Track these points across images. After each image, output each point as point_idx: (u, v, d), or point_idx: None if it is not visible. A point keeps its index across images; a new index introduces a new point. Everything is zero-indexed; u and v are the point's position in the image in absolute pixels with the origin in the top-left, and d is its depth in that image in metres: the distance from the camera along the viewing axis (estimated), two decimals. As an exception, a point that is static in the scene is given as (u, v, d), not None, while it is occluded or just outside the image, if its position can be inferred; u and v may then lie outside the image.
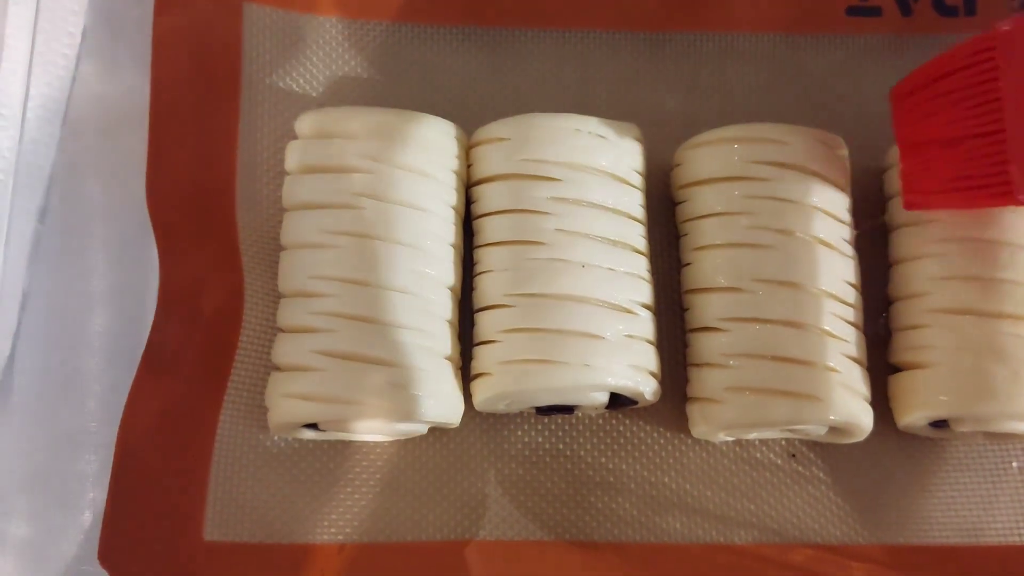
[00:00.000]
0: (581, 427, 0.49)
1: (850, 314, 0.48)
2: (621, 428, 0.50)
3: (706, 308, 0.48)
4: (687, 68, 0.55)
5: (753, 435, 0.49)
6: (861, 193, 0.51)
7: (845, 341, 0.47)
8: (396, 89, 0.53)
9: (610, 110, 0.50)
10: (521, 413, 0.49)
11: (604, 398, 0.47)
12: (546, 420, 0.49)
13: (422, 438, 0.49)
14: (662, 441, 0.50)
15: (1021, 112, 0.42)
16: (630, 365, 0.45)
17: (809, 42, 0.55)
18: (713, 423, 0.47)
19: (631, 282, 0.47)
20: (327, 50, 0.53)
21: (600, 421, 0.50)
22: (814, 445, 0.50)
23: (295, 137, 0.49)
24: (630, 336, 0.46)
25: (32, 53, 0.46)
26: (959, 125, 0.44)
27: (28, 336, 0.43)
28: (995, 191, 0.43)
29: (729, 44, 0.55)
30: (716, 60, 0.55)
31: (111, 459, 0.43)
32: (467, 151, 0.50)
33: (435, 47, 0.54)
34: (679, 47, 0.55)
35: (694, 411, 0.48)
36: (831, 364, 0.46)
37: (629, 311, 0.46)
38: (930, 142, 0.46)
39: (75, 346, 0.46)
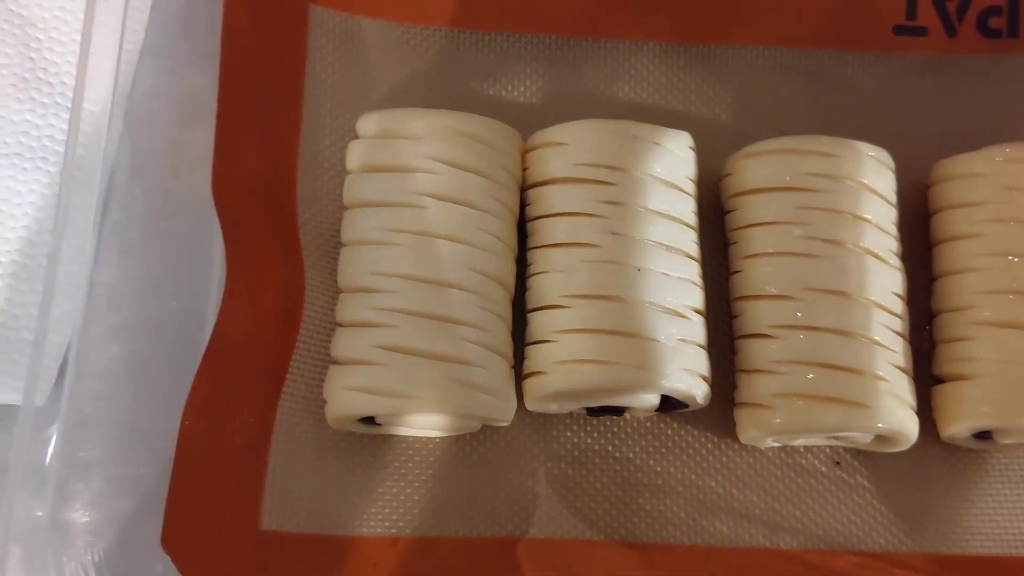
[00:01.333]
0: (629, 429, 0.50)
1: (897, 325, 0.49)
2: (669, 432, 0.50)
3: (756, 315, 0.49)
4: (737, 81, 0.56)
5: (800, 441, 0.50)
6: (904, 209, 0.51)
7: (893, 351, 0.48)
8: (453, 93, 0.54)
9: (660, 121, 0.51)
10: (570, 414, 0.50)
11: (655, 400, 0.47)
12: (595, 421, 0.50)
13: (473, 435, 0.49)
14: (709, 446, 0.50)
15: None
16: (683, 368, 0.46)
17: (856, 59, 0.56)
18: (762, 428, 0.47)
19: (684, 287, 0.48)
20: (387, 53, 0.54)
21: (648, 424, 0.50)
22: (858, 453, 0.51)
23: (355, 137, 0.50)
24: (683, 340, 0.47)
25: (121, 50, 0.46)
26: None
27: (90, 327, 0.44)
28: None
29: (779, 59, 0.56)
30: (765, 74, 0.56)
31: (171, 447, 0.44)
32: (523, 155, 0.50)
33: (492, 54, 0.55)
34: (730, 60, 0.56)
35: (743, 416, 0.49)
36: (880, 373, 0.47)
37: (682, 315, 0.47)
38: None
39: (137, 337, 0.46)
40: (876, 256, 0.48)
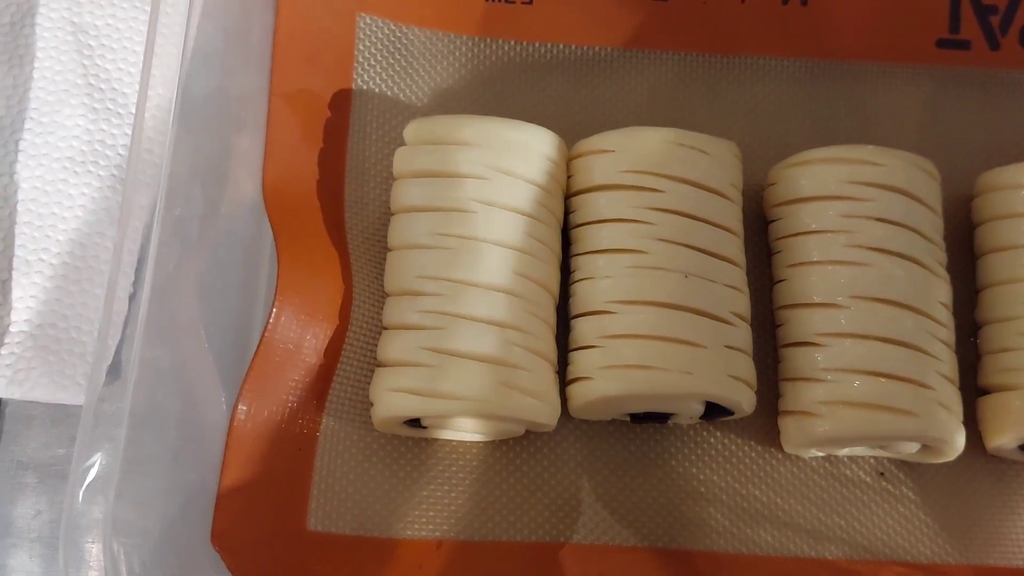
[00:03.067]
0: (672, 437, 0.50)
1: (944, 334, 0.48)
2: (712, 440, 0.50)
3: (802, 323, 0.49)
4: (778, 93, 0.56)
5: (845, 451, 0.49)
6: (948, 221, 0.51)
7: (940, 360, 0.47)
8: (495, 102, 0.55)
9: (702, 131, 0.51)
10: (612, 421, 0.50)
11: (701, 408, 0.47)
12: (637, 429, 0.50)
13: (515, 441, 0.49)
14: (752, 455, 0.50)
15: None
16: (730, 375, 0.46)
17: (899, 71, 0.57)
18: (809, 436, 0.47)
19: (730, 293, 0.48)
20: (431, 62, 0.55)
21: (691, 432, 0.50)
22: (903, 465, 0.50)
23: (400, 143, 0.51)
24: (729, 347, 0.47)
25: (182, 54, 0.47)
26: None
27: (140, 330, 0.44)
28: None
29: (821, 70, 0.56)
30: (807, 85, 0.56)
31: (220, 448, 0.44)
32: (568, 163, 0.51)
33: (534, 64, 0.55)
34: (772, 72, 0.56)
35: (788, 424, 0.49)
36: (928, 382, 0.46)
37: (728, 322, 0.47)
38: None
39: (187, 339, 0.47)
40: (923, 265, 0.48)
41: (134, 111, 0.53)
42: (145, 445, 0.42)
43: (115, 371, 0.49)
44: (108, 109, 0.53)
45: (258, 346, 0.45)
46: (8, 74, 0.53)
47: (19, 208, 0.51)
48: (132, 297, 0.48)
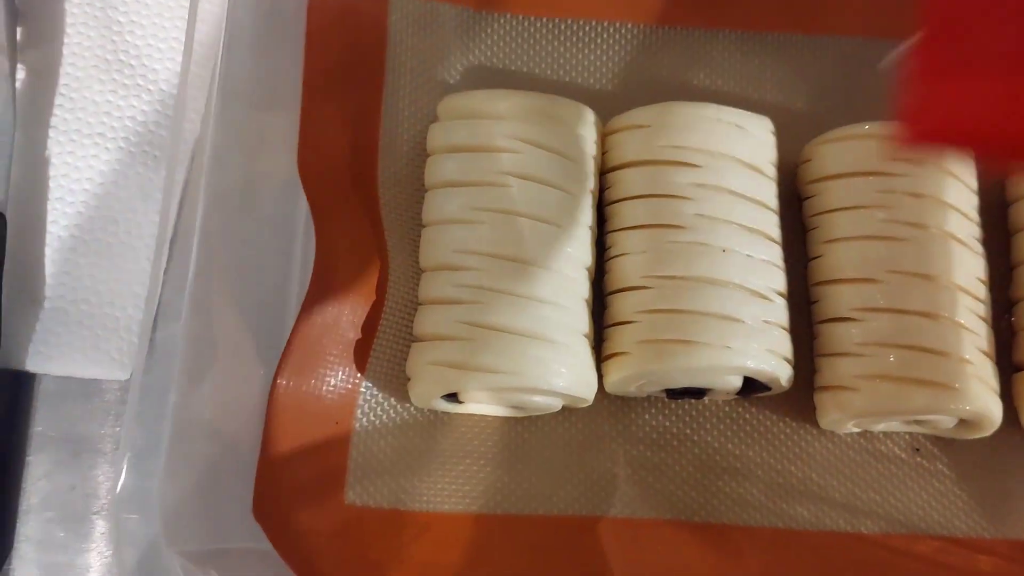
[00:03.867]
0: (708, 413, 0.50)
1: (981, 309, 0.48)
2: (747, 416, 0.50)
3: (839, 298, 0.48)
4: (812, 70, 0.56)
5: (881, 426, 0.49)
6: (983, 198, 0.51)
7: (977, 335, 0.47)
8: (528, 79, 0.55)
9: (736, 107, 0.51)
10: (648, 396, 0.50)
11: (739, 382, 0.47)
12: (673, 405, 0.50)
13: (551, 416, 0.49)
14: (787, 430, 0.50)
15: None
16: (768, 350, 0.46)
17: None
18: (847, 410, 0.47)
19: (767, 269, 0.47)
20: (464, 38, 0.54)
21: (726, 408, 0.50)
22: (938, 440, 0.50)
23: (433, 120, 0.51)
24: (767, 321, 0.47)
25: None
26: None
27: (187, 305, 0.44)
28: None
29: (855, 47, 0.56)
30: (841, 63, 0.56)
31: (258, 423, 0.44)
32: (602, 138, 0.51)
33: (567, 40, 0.55)
34: (806, 49, 0.56)
35: (825, 399, 0.48)
36: (965, 356, 0.46)
37: (766, 297, 0.47)
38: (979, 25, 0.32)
39: (226, 314, 0.47)
40: (959, 240, 0.48)
41: (164, 87, 0.53)
42: (188, 420, 0.42)
43: (151, 347, 0.50)
44: (139, 85, 0.53)
45: (296, 321, 0.45)
46: (37, 50, 0.53)
47: (51, 184, 0.51)
48: (166, 272, 0.47)
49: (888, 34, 0.55)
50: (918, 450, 0.50)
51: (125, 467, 0.40)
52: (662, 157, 0.48)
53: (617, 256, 0.49)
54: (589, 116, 0.50)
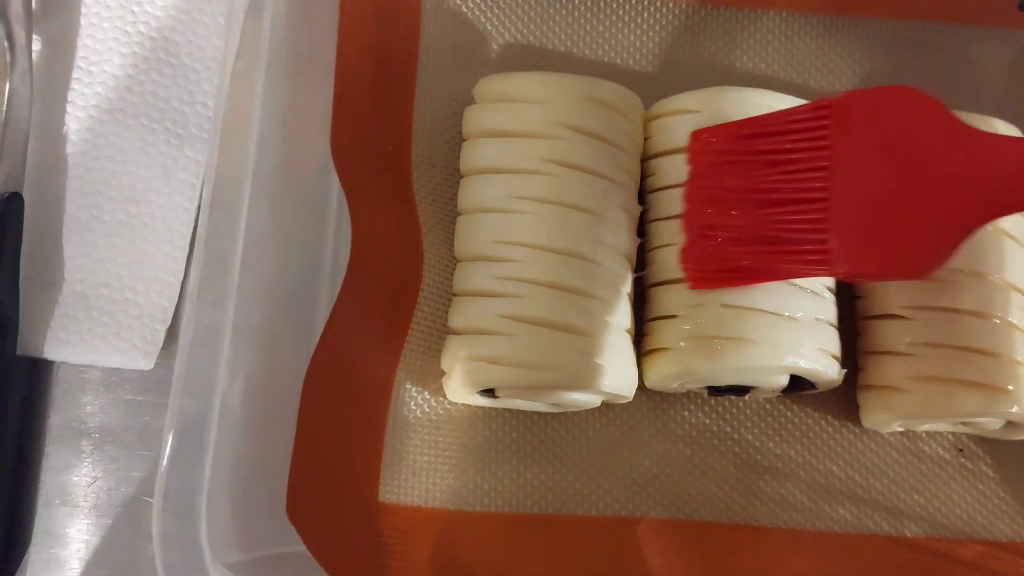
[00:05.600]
0: (748, 411, 0.49)
1: (1033, 308, 0.47)
2: (789, 414, 0.49)
3: (887, 296, 0.47)
4: (856, 53, 0.54)
5: (925, 427, 0.48)
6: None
7: (1028, 335, 0.46)
8: (565, 59, 0.53)
9: (781, 92, 0.49)
10: (687, 393, 0.49)
11: (785, 381, 0.46)
12: (712, 403, 0.49)
13: (588, 412, 0.48)
14: (830, 429, 0.49)
15: (848, 185, 0.40)
16: (819, 348, 0.45)
17: (979, 34, 0.54)
18: (894, 411, 0.46)
19: (818, 264, 0.46)
20: (501, 17, 0.52)
21: (767, 406, 0.49)
22: (981, 441, 0.49)
23: (469, 102, 0.49)
24: (818, 319, 0.45)
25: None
26: (776, 186, 0.42)
27: (233, 293, 0.42)
28: (809, 263, 0.41)
29: (900, 31, 0.54)
30: (885, 46, 0.54)
31: (290, 417, 0.42)
32: (645, 123, 0.49)
33: (606, 20, 0.53)
34: (850, 32, 0.54)
35: (870, 399, 0.47)
36: (1017, 357, 0.45)
37: (817, 293, 0.45)
38: (731, 198, 0.44)
39: (253, 304, 0.44)
40: (1012, 237, 0.47)
41: (187, 61, 0.51)
42: (222, 415, 0.40)
43: (171, 335, 0.48)
44: (160, 59, 0.51)
45: (331, 314, 0.43)
46: (54, 20, 0.50)
47: (69, 162, 0.49)
48: (193, 258, 0.45)
49: (934, 16, 0.54)
50: (961, 450, 0.49)
51: (166, 463, 0.38)
52: (711, 145, 0.46)
53: (660, 247, 0.47)
54: (633, 99, 0.48)
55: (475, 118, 0.48)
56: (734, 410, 0.49)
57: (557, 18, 0.53)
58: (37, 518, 0.46)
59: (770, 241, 0.43)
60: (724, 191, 0.44)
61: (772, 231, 0.42)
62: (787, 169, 0.42)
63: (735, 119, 0.46)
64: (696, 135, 0.46)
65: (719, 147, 0.45)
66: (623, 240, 0.46)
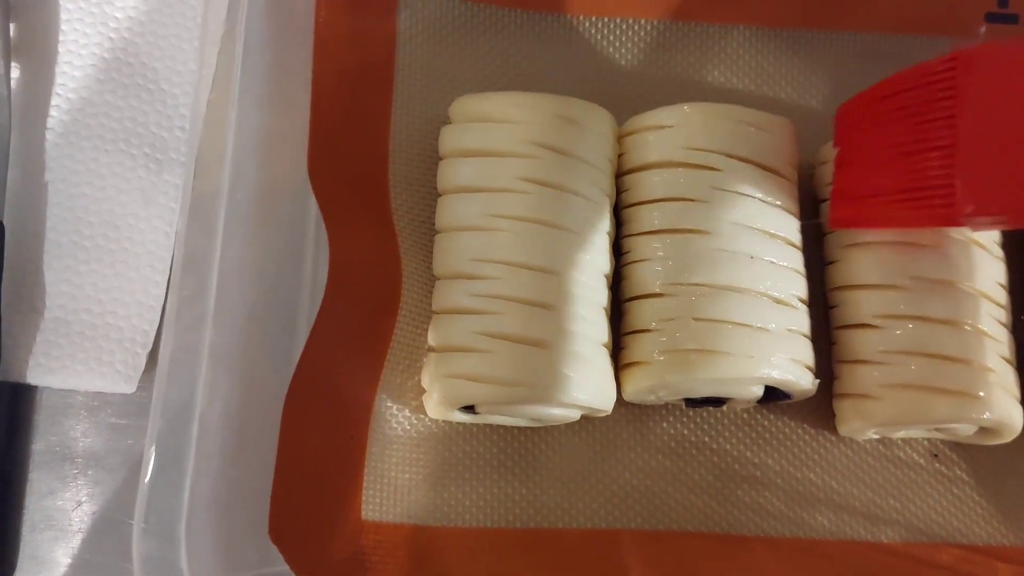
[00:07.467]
0: (726, 421, 0.49)
1: (1002, 315, 0.48)
2: (766, 423, 0.49)
3: (859, 305, 0.48)
4: (827, 67, 0.55)
5: (900, 433, 0.49)
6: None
7: (999, 341, 0.47)
8: (540, 77, 0.53)
9: (750, 107, 0.49)
10: (665, 405, 0.49)
11: (760, 392, 0.46)
12: (691, 413, 0.49)
13: (567, 426, 0.48)
14: (806, 437, 0.49)
15: (974, 130, 0.42)
16: (792, 359, 0.45)
17: (948, 46, 0.55)
18: (868, 419, 0.47)
19: (790, 275, 0.47)
20: (476, 37, 0.53)
21: (745, 416, 0.49)
22: (956, 446, 0.50)
23: (444, 122, 0.49)
24: (791, 330, 0.46)
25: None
26: (908, 139, 0.44)
27: (209, 316, 0.42)
28: (936, 208, 0.43)
29: (870, 44, 0.55)
30: (856, 59, 0.55)
31: (271, 437, 0.43)
32: (619, 140, 0.49)
33: (579, 38, 0.54)
34: (820, 45, 0.55)
35: (845, 407, 0.48)
36: (988, 364, 0.46)
37: (790, 305, 0.46)
38: (872, 157, 0.46)
39: (242, 326, 0.45)
40: (980, 245, 0.48)
41: (165, 86, 0.51)
42: (202, 436, 0.40)
43: (153, 359, 0.48)
44: (138, 84, 0.51)
45: (311, 334, 0.44)
46: (32, 48, 0.51)
47: (49, 189, 0.49)
48: (172, 282, 0.46)
49: (900, 29, 0.55)
50: (936, 455, 0.50)
51: (147, 485, 0.38)
52: (684, 159, 0.47)
53: (636, 262, 0.48)
54: (606, 117, 0.48)
55: (451, 138, 0.48)
56: (712, 420, 0.49)
57: (531, 36, 0.54)
58: (22, 543, 0.46)
59: (903, 190, 0.44)
60: (870, 152, 0.46)
61: (904, 182, 0.44)
62: (917, 120, 0.44)
63: (705, 133, 0.46)
64: (841, 109, 0.48)
65: (863, 113, 0.47)
66: (599, 256, 0.47)
